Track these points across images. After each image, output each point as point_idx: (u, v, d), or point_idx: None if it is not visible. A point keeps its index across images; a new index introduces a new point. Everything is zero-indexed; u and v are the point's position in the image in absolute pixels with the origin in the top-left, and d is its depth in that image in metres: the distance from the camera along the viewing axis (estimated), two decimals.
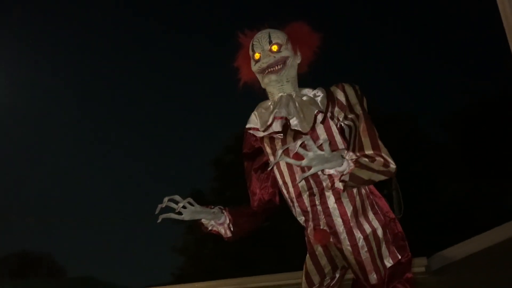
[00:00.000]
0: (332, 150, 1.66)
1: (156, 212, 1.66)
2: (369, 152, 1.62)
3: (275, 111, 1.80)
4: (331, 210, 1.73)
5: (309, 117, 1.73)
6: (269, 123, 1.80)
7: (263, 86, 1.87)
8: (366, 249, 1.71)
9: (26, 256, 20.28)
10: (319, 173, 1.66)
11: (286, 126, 1.78)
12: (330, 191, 1.73)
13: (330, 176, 1.66)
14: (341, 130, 1.77)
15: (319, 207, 1.75)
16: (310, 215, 1.77)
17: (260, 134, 1.85)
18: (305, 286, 1.86)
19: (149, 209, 1.70)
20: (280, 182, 1.83)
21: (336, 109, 1.76)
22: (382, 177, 1.63)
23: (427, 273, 5.29)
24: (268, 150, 1.84)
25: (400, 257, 1.74)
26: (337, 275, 1.86)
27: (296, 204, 1.80)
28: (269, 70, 1.81)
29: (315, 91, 1.83)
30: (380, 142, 1.66)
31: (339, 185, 1.57)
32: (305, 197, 1.76)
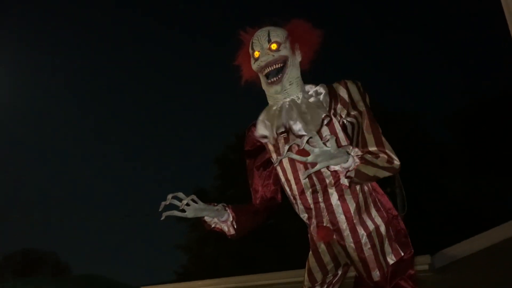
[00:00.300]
0: (337, 147, 1.68)
1: (160, 210, 1.65)
2: (372, 148, 1.62)
3: (275, 125, 1.79)
4: (334, 207, 1.73)
5: (316, 120, 1.72)
6: (267, 135, 1.81)
7: (263, 87, 1.86)
8: (369, 246, 1.71)
9: (30, 254, 20.37)
10: (323, 170, 1.66)
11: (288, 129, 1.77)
12: (333, 188, 1.73)
13: (334, 172, 1.66)
14: (344, 127, 1.76)
15: (322, 204, 1.75)
16: (313, 212, 1.77)
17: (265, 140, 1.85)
18: (307, 283, 1.87)
19: (152, 207, 1.70)
20: (283, 179, 1.83)
21: (339, 106, 1.75)
22: (387, 174, 1.63)
23: (431, 271, 5.28)
24: (271, 147, 1.84)
25: (402, 254, 1.74)
26: (340, 272, 1.86)
27: (299, 201, 1.80)
28: (270, 80, 1.79)
29: (317, 88, 1.81)
30: (383, 139, 1.66)
31: (344, 181, 1.57)
32: (308, 194, 1.76)
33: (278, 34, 1.83)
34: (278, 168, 1.84)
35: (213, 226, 1.84)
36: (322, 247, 1.82)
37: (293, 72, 1.81)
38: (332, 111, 1.75)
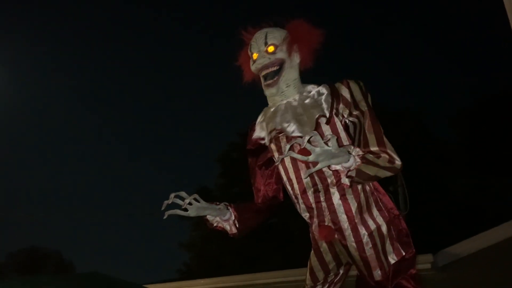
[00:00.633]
0: (338, 146, 1.69)
1: (162, 208, 1.66)
2: (374, 148, 1.62)
3: (270, 124, 1.82)
4: (335, 206, 1.73)
5: (311, 121, 1.73)
6: (264, 137, 1.84)
7: (263, 88, 1.87)
8: (370, 245, 1.71)
9: (34, 252, 20.44)
10: (325, 169, 1.66)
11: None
12: (335, 187, 1.73)
13: (336, 171, 1.66)
14: (346, 127, 1.76)
15: (323, 204, 1.75)
16: (315, 212, 1.77)
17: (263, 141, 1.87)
18: (309, 282, 1.86)
19: (156, 206, 1.71)
20: (285, 178, 1.83)
21: (341, 105, 1.75)
22: (388, 174, 1.63)
23: (433, 269, 5.27)
24: (273, 147, 1.84)
25: (404, 253, 1.74)
26: (341, 271, 1.86)
27: (300, 200, 1.80)
28: (266, 82, 1.80)
29: (319, 88, 1.81)
30: (385, 139, 1.65)
31: (345, 180, 1.57)
32: (310, 193, 1.76)
33: (275, 36, 1.83)
34: (280, 167, 1.84)
35: (215, 225, 1.85)
36: (324, 246, 1.82)
37: (290, 74, 1.82)
38: (334, 110, 1.75)
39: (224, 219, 1.84)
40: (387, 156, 1.62)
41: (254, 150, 1.95)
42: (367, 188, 1.77)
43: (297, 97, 1.81)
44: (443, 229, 11.39)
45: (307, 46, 1.83)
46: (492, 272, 4.83)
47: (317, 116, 1.73)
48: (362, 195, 1.74)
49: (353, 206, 1.73)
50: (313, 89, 1.83)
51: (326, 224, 1.76)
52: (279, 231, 12.82)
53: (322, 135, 1.69)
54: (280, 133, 1.79)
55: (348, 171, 1.55)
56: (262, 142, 1.88)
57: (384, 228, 1.73)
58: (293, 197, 1.84)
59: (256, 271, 7.07)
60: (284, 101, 1.81)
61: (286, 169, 1.81)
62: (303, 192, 1.78)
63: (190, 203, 1.72)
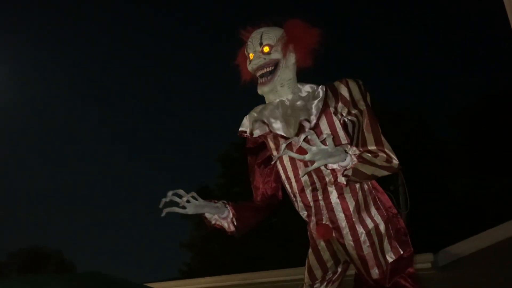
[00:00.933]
0: (336, 145, 1.67)
1: (160, 206, 1.67)
2: (372, 147, 1.63)
3: (256, 120, 1.83)
4: (333, 205, 1.74)
5: (296, 123, 1.74)
6: (251, 128, 1.85)
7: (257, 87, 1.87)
8: (368, 244, 1.71)
9: (35, 252, 20.47)
10: (322, 168, 1.67)
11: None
12: (333, 186, 1.73)
13: (333, 170, 1.66)
14: (345, 125, 1.77)
15: (321, 202, 1.75)
16: (313, 210, 1.78)
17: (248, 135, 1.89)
18: (307, 280, 1.87)
19: (157, 205, 1.72)
20: (283, 177, 1.84)
21: (340, 104, 1.75)
22: (385, 173, 1.64)
23: (433, 269, 5.28)
24: (272, 145, 1.85)
25: (402, 252, 1.74)
26: (339, 270, 1.86)
27: (299, 199, 1.81)
28: (262, 81, 1.81)
29: (316, 90, 1.81)
30: (383, 138, 1.66)
31: (342, 179, 1.58)
32: (308, 192, 1.77)
33: (270, 36, 1.83)
34: (279, 166, 1.85)
35: (213, 222, 1.86)
36: (321, 244, 1.82)
37: (285, 74, 1.82)
38: (333, 109, 1.76)
39: (223, 217, 1.84)
40: (384, 155, 1.62)
41: (253, 149, 1.95)
42: (365, 186, 1.77)
43: (290, 97, 1.82)
44: (444, 229, 11.39)
45: (303, 45, 1.83)
46: (492, 272, 4.83)
47: (300, 119, 1.73)
48: (360, 193, 1.75)
49: (351, 205, 1.74)
50: (311, 89, 1.83)
51: (324, 222, 1.76)
52: (279, 230, 12.82)
53: (320, 133, 1.71)
54: (264, 123, 1.80)
55: (344, 170, 1.56)
56: (245, 135, 1.90)
57: (382, 227, 1.74)
58: (292, 195, 1.85)
59: (256, 270, 7.08)
60: (278, 100, 1.83)
61: (285, 168, 1.82)
62: (301, 190, 1.78)
63: (188, 201, 1.72)
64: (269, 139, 1.86)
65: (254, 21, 1.93)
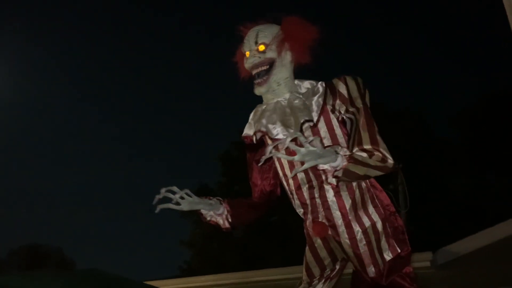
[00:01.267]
0: (332, 144, 1.69)
1: (154, 203, 1.68)
2: (367, 146, 1.62)
3: (256, 124, 1.84)
4: (330, 203, 1.74)
5: (297, 125, 1.74)
6: (251, 135, 1.86)
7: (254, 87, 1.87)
8: (364, 242, 1.71)
9: (36, 250, 20.50)
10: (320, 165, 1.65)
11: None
12: (330, 184, 1.72)
13: (323, 171, 1.66)
14: (344, 123, 1.76)
15: (318, 200, 1.75)
16: (309, 208, 1.78)
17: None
18: (305, 278, 1.87)
19: (162, 201, 1.73)
20: (281, 174, 1.85)
21: (338, 102, 1.74)
22: (379, 173, 1.63)
23: (432, 267, 5.28)
24: (270, 142, 1.84)
25: (399, 250, 1.73)
26: (338, 267, 1.85)
27: (295, 196, 1.81)
28: (257, 81, 1.81)
29: (316, 86, 1.81)
30: (378, 137, 1.65)
31: (332, 180, 1.57)
32: (305, 189, 1.77)
33: (266, 34, 1.82)
34: (276, 163, 1.85)
35: (208, 219, 1.87)
36: (318, 242, 1.82)
37: (281, 73, 1.82)
38: (330, 107, 1.75)
39: (218, 213, 1.86)
40: (380, 155, 1.61)
41: (252, 145, 1.95)
42: (363, 185, 1.76)
43: (287, 96, 1.81)
44: (443, 228, 11.40)
45: (299, 43, 1.82)
46: (490, 270, 4.84)
47: (302, 120, 1.73)
48: (357, 192, 1.74)
49: (347, 203, 1.73)
50: (310, 85, 1.83)
51: (320, 220, 1.76)
52: (279, 229, 12.84)
53: (317, 131, 1.71)
54: (264, 135, 1.81)
55: (334, 171, 1.55)
56: (248, 140, 1.90)
57: (379, 225, 1.74)
58: (289, 192, 1.85)
59: (256, 269, 7.09)
60: (275, 100, 1.82)
61: (282, 165, 1.82)
62: (298, 188, 1.79)
63: (182, 198, 1.73)
64: (267, 137, 1.85)
65: (255, 18, 1.92)
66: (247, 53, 1.85)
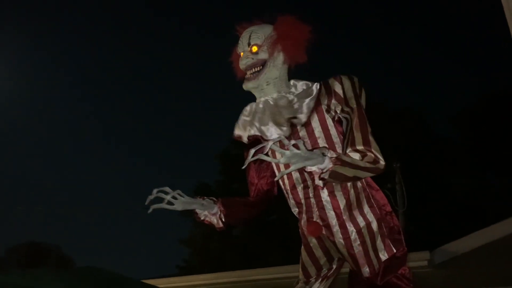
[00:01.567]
0: (327, 144, 1.70)
1: (146, 203, 1.69)
2: (360, 147, 1.62)
3: (247, 128, 1.84)
4: (324, 203, 1.74)
5: (286, 122, 1.74)
6: (244, 138, 1.86)
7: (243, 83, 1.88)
8: (358, 242, 1.71)
9: (34, 247, 20.50)
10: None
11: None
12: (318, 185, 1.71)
13: (310, 173, 1.64)
14: (341, 122, 1.76)
15: (312, 200, 1.76)
16: (304, 207, 1.78)
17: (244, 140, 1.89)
18: (302, 277, 1.87)
19: (156, 202, 1.74)
20: (277, 173, 1.86)
21: (333, 101, 1.74)
22: (369, 174, 1.63)
23: (430, 266, 5.30)
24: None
25: (395, 251, 1.73)
26: (334, 266, 1.85)
27: (290, 196, 1.82)
28: (248, 76, 1.82)
29: (310, 88, 1.80)
30: (371, 138, 1.65)
31: (319, 182, 1.57)
32: (299, 189, 1.78)
33: (259, 35, 1.83)
34: (273, 162, 1.85)
35: (202, 218, 1.87)
36: (313, 241, 1.82)
37: (272, 73, 1.82)
38: (325, 107, 1.75)
39: (212, 213, 1.86)
40: (372, 156, 1.61)
41: (250, 144, 1.92)
42: (359, 184, 1.76)
43: (275, 95, 1.82)
44: (442, 228, 11.41)
45: (292, 43, 1.81)
46: (487, 270, 4.86)
47: (286, 118, 1.74)
48: (352, 191, 1.74)
49: (342, 203, 1.73)
50: (305, 86, 1.83)
51: (314, 220, 1.76)
52: (278, 228, 12.85)
53: (312, 130, 1.72)
54: (257, 138, 1.81)
55: (321, 173, 1.54)
56: (241, 140, 1.91)
57: (374, 225, 1.73)
58: (284, 192, 1.86)
59: (255, 267, 7.10)
60: (263, 99, 1.83)
61: (278, 164, 1.83)
62: (293, 187, 1.79)
63: (175, 198, 1.74)
64: (262, 139, 1.84)
65: (251, 17, 1.93)
66: (241, 54, 1.86)
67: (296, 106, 1.77)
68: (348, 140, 1.67)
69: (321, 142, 1.74)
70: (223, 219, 1.86)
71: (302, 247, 1.87)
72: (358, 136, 1.64)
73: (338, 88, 1.75)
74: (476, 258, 5.08)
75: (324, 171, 1.52)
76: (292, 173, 1.74)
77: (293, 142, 1.46)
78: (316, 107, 1.75)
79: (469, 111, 13.98)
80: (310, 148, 1.71)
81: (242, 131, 1.89)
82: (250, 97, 1.91)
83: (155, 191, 1.71)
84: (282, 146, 1.51)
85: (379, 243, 1.72)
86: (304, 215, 1.80)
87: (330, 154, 1.53)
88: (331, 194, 1.73)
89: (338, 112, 1.74)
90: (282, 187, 1.86)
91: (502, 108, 12.44)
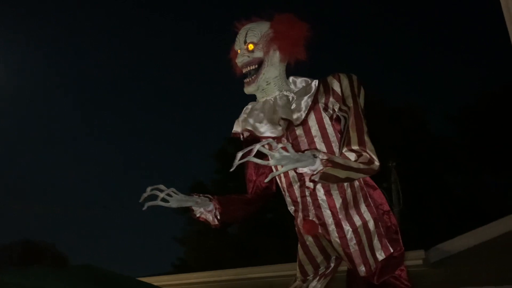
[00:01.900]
0: (324, 142, 1.70)
1: (140, 201, 1.69)
2: (355, 147, 1.61)
3: (243, 124, 1.84)
4: (320, 201, 1.73)
5: (283, 121, 1.74)
6: (239, 132, 1.86)
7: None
8: (354, 241, 1.70)
9: (29, 245, 20.41)
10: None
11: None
12: (308, 187, 1.71)
13: (300, 174, 1.63)
14: (339, 120, 1.74)
15: (308, 198, 1.75)
16: (300, 206, 1.78)
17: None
18: (299, 276, 1.87)
19: (151, 200, 1.74)
20: (274, 171, 1.81)
21: (332, 99, 1.73)
22: (362, 175, 1.62)
23: (425, 265, 5.32)
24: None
25: (392, 250, 1.72)
26: (332, 265, 1.85)
27: (287, 194, 1.81)
28: (247, 80, 1.82)
29: (309, 84, 1.80)
30: (367, 138, 1.63)
31: (310, 184, 1.55)
32: (296, 187, 1.77)
33: (255, 33, 1.82)
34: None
35: (197, 215, 1.86)
36: (310, 240, 1.82)
37: (270, 72, 1.81)
38: (322, 105, 1.74)
39: (208, 210, 1.85)
40: (367, 156, 1.59)
41: (248, 141, 1.91)
42: (356, 183, 1.75)
43: (276, 94, 1.81)
44: (440, 226, 11.45)
45: (288, 42, 1.80)
46: (482, 269, 4.89)
47: (279, 117, 1.73)
48: (348, 190, 1.73)
49: (338, 202, 1.72)
50: (305, 83, 1.82)
51: (310, 218, 1.76)
52: (275, 226, 12.85)
53: (308, 129, 1.71)
54: (250, 135, 1.81)
55: (312, 175, 1.52)
56: (237, 136, 1.90)
57: (371, 224, 1.72)
58: (282, 190, 1.86)
59: (252, 265, 7.10)
60: (264, 98, 1.83)
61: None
62: (289, 185, 1.79)
63: (169, 195, 1.73)
64: (255, 136, 1.84)
65: (249, 14, 1.92)
66: (238, 51, 1.85)
67: (294, 105, 1.76)
68: (344, 139, 1.66)
69: (318, 141, 1.73)
70: (219, 217, 1.85)
71: (299, 245, 1.87)
72: (353, 136, 1.63)
73: (336, 86, 1.73)
74: (471, 257, 5.11)
75: (315, 173, 1.51)
76: (289, 171, 1.72)
77: (280, 145, 1.45)
78: (313, 106, 1.74)
79: (466, 110, 14.02)
80: (306, 147, 1.71)
81: (239, 128, 1.88)
82: (247, 96, 1.90)
83: (149, 188, 1.70)
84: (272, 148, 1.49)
85: (376, 242, 1.72)
86: (300, 214, 1.79)
87: (321, 156, 1.51)
88: (327, 193, 1.73)
89: (336, 110, 1.73)
90: (279, 185, 1.86)
91: (499, 107, 12.47)
